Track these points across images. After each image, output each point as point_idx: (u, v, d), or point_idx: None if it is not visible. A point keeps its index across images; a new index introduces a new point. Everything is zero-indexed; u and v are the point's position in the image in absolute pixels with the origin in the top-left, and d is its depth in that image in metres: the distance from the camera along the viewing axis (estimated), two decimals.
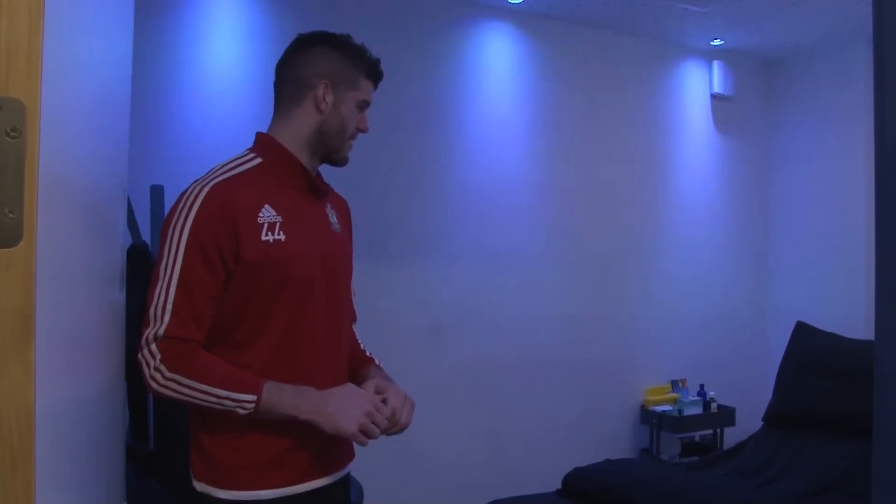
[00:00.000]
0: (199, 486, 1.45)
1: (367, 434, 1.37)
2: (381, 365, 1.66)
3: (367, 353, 1.69)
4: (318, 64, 1.51)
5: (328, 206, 1.60)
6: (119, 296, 1.37)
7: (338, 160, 1.56)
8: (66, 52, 0.74)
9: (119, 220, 1.40)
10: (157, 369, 1.33)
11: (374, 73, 1.58)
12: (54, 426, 0.72)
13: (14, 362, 0.63)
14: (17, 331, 0.63)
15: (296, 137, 1.51)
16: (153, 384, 1.34)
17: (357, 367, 1.63)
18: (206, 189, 1.39)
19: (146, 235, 2.62)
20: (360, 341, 1.72)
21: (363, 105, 1.56)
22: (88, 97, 0.90)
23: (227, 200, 1.39)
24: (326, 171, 1.64)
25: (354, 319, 1.75)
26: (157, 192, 2.70)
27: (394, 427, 1.46)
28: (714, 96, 4.71)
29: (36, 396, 0.64)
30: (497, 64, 4.01)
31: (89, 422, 0.95)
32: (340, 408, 1.36)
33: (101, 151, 1.05)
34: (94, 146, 0.97)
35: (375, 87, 1.60)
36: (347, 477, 1.61)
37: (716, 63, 4.67)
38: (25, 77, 0.63)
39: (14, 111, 0.62)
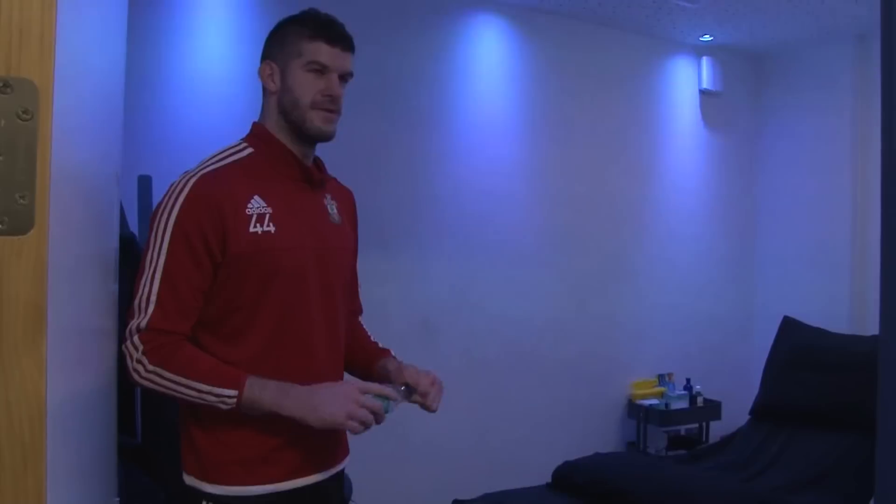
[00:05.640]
0: (189, 480, 1.43)
1: (360, 421, 1.31)
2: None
3: (381, 345, 1.67)
4: (265, 46, 1.50)
5: (328, 196, 1.56)
6: (114, 287, 1.34)
7: (310, 132, 1.46)
8: (77, 33, 0.71)
9: (114, 210, 1.37)
10: (139, 361, 1.31)
11: (321, 32, 1.44)
12: (64, 421, 0.70)
13: (26, 355, 0.60)
14: (29, 323, 0.60)
15: (272, 124, 1.48)
16: (136, 376, 1.32)
17: (372, 360, 1.61)
18: (194, 180, 1.36)
19: (133, 226, 2.58)
20: (370, 334, 1.70)
21: (316, 67, 1.43)
22: (94, 81, 0.87)
23: (213, 191, 1.36)
24: (323, 160, 1.61)
25: (360, 312, 1.72)
26: (144, 183, 2.66)
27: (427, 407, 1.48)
28: (702, 92, 4.73)
29: (47, 391, 0.61)
30: (487, 57, 3.99)
31: (91, 416, 0.93)
32: (325, 400, 1.31)
33: (102, 138, 1.02)
34: (97, 132, 0.94)
35: (335, 46, 1.45)
36: (341, 474, 1.59)
37: (705, 59, 4.68)
38: (38, 57, 0.60)
39: (26, 92, 0.59)
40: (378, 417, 1.34)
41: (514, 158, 4.07)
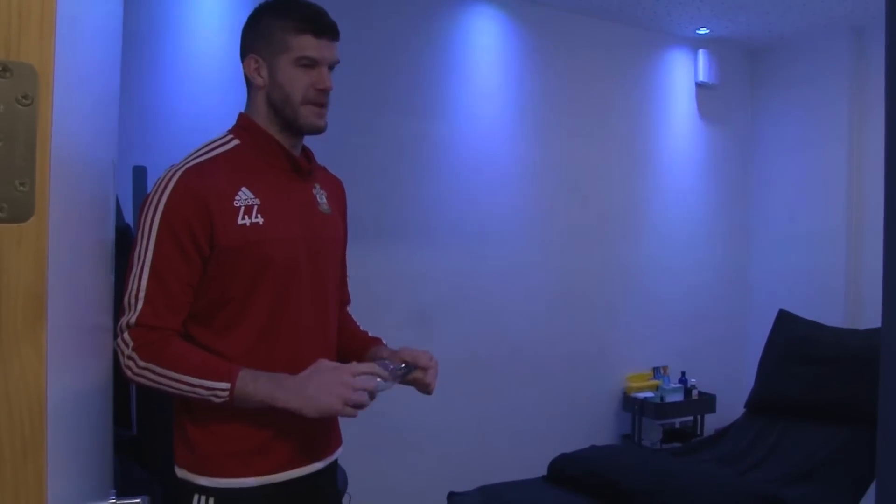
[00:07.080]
0: (181, 473, 1.43)
1: (355, 405, 1.31)
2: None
3: (371, 334, 1.66)
4: (247, 38, 1.48)
5: (317, 186, 1.55)
6: (110, 279, 1.33)
7: (303, 128, 1.45)
8: (76, 17, 0.70)
9: (111, 199, 1.35)
10: (130, 358, 1.31)
11: (308, 26, 1.41)
12: (63, 411, 0.69)
13: (26, 344, 0.59)
14: (29, 311, 0.59)
15: (259, 116, 1.46)
16: (128, 373, 1.32)
17: (363, 348, 1.60)
18: (178, 174, 1.36)
19: (128, 217, 2.56)
20: (358, 324, 1.69)
21: (306, 62, 1.41)
22: (92, 67, 0.86)
23: (199, 185, 1.35)
24: (318, 152, 1.60)
25: (348, 302, 1.71)
26: (139, 173, 2.64)
27: (423, 388, 1.49)
28: (699, 85, 4.73)
29: (47, 381, 0.60)
30: (484, 48, 3.98)
31: (90, 407, 0.92)
32: (319, 388, 1.30)
33: (100, 126, 1.01)
34: (95, 119, 0.93)
35: (323, 37, 1.42)
36: (335, 464, 1.59)
37: (701, 52, 4.68)
38: (38, 41, 0.59)
39: (26, 77, 0.58)
40: (371, 394, 1.33)
41: (510, 151, 4.06)
